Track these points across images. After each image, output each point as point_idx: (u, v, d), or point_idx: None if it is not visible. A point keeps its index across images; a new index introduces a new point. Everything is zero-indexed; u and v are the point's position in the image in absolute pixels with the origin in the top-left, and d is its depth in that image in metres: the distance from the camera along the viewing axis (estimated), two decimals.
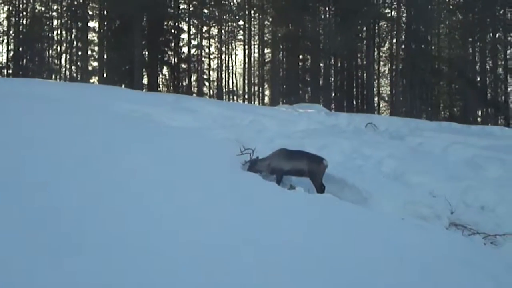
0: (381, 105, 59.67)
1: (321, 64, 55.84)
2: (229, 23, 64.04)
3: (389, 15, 55.80)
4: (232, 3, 62.53)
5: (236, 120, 20.60)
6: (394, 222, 10.63)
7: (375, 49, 57.15)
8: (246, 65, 62.49)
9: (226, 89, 65.35)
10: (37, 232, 6.07)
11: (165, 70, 55.89)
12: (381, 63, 60.30)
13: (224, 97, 61.81)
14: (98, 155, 9.98)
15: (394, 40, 54.71)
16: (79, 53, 59.54)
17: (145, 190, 8.47)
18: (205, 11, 58.24)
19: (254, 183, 11.26)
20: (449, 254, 8.49)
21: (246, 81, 63.39)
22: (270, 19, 59.86)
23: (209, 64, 63.13)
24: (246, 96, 63.01)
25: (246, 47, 62.50)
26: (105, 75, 54.35)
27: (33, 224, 6.26)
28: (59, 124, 12.66)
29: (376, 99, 56.96)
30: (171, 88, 54.27)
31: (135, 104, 19.20)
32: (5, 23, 59.15)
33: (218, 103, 28.41)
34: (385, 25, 57.38)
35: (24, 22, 59.69)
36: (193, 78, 58.03)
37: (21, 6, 59.67)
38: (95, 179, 8.41)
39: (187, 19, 57.06)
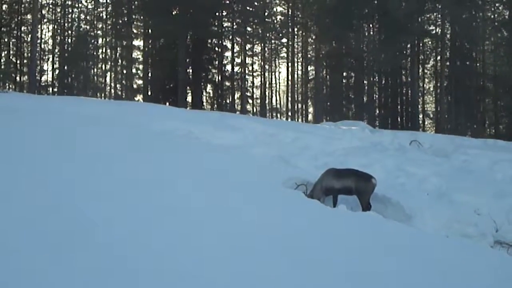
0: (426, 122, 59.27)
1: (365, 81, 55.62)
2: (273, 41, 64.30)
3: (434, 32, 55.36)
4: (275, 21, 62.86)
5: (279, 137, 20.52)
6: (438, 240, 10.51)
7: (420, 66, 56.73)
8: (290, 83, 62.81)
9: (270, 107, 65.52)
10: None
11: (209, 88, 56.08)
12: (426, 80, 60.06)
13: (268, 114, 61.96)
14: (139, 173, 10.03)
15: (439, 57, 54.33)
16: (124, 71, 60.37)
17: (182, 205, 8.45)
18: (249, 29, 58.52)
19: (294, 202, 11.14)
20: (495, 273, 8.35)
21: (289, 99, 63.68)
22: (314, 37, 59.98)
23: (252, 82, 63.59)
24: (289, 114, 63.24)
25: (290, 64, 62.81)
26: (149, 93, 54.96)
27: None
28: (99, 142, 12.82)
29: (420, 116, 56.45)
30: (215, 105, 54.45)
31: (179, 122, 19.33)
32: (50, 41, 60.43)
33: (262, 120, 28.49)
34: (430, 42, 57.02)
35: (69, 40, 60.74)
36: (237, 95, 58.22)
37: (66, 24, 60.83)
38: (141, 197, 8.45)
39: (230, 37, 57.28)
